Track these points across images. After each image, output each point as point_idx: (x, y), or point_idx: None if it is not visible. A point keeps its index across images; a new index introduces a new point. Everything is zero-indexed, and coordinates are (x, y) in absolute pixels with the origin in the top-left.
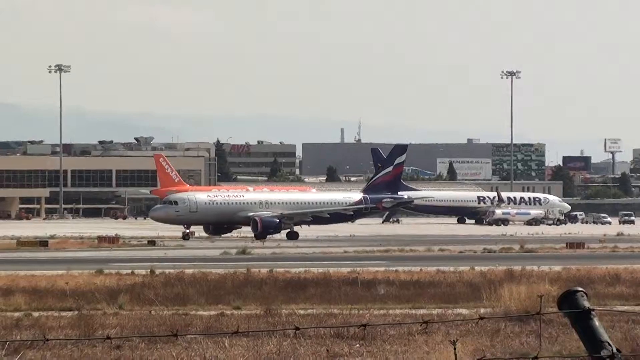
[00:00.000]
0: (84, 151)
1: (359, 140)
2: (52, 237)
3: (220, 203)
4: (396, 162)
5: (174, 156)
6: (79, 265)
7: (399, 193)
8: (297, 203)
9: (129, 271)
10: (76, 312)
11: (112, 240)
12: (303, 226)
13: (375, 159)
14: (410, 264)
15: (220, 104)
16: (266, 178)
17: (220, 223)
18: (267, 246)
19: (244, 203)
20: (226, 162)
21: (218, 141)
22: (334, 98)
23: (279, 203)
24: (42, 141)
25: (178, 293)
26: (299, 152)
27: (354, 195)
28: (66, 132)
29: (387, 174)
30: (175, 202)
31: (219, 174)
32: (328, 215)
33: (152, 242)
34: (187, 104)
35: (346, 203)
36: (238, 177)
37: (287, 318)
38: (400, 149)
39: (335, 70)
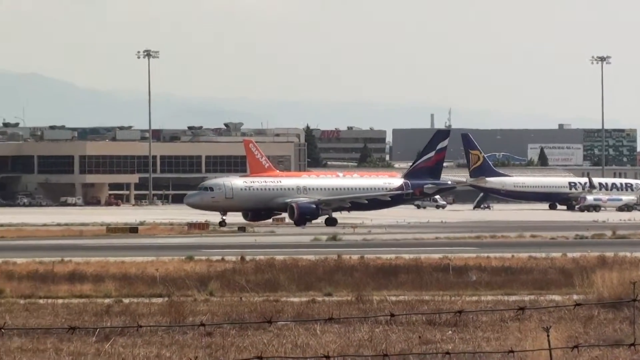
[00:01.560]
0: (173, 137)
1: (449, 125)
2: (141, 223)
3: (257, 189)
4: (438, 147)
5: (263, 142)
6: (168, 252)
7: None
8: (335, 189)
9: (219, 258)
10: (166, 299)
11: (202, 227)
12: (386, 214)
13: (465, 144)
14: (502, 250)
15: (310, 90)
16: (356, 164)
17: (257, 209)
18: (358, 232)
19: (281, 189)
20: (316, 148)
21: (308, 127)
22: (424, 84)
23: (316, 189)
24: (131, 127)
25: (269, 279)
26: (389, 138)
27: (395, 181)
28: (155, 118)
29: (428, 159)
30: (211, 188)
31: (309, 160)
32: (366, 201)
33: (242, 229)
34: (277, 89)
35: (386, 189)
36: (328, 162)
37: (379, 305)
38: (443, 134)
39: (425, 56)
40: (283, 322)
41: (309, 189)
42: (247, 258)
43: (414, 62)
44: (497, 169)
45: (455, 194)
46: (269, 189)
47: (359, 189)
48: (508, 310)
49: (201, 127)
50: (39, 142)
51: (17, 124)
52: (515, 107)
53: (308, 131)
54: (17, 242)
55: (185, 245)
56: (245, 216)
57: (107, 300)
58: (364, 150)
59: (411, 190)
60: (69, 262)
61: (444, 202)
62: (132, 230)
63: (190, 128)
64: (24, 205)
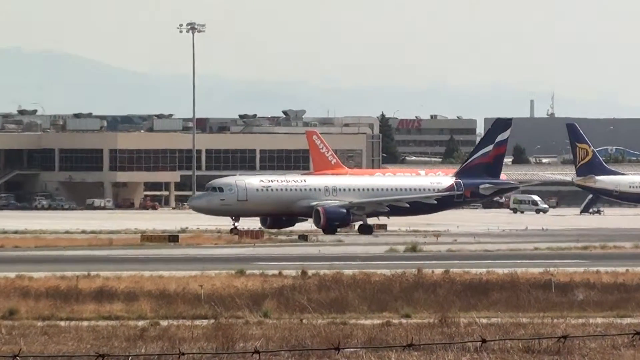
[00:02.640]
0: (222, 127)
1: (552, 114)
2: (183, 230)
3: (276, 190)
4: (498, 139)
5: (329, 133)
6: (215, 265)
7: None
8: (371, 190)
9: (276, 272)
10: (212, 321)
11: (256, 235)
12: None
13: (571, 136)
14: (614, 263)
15: (385, 72)
16: (440, 159)
17: (276, 214)
18: (442, 242)
19: (305, 190)
20: (392, 140)
21: (383, 115)
22: (522, 64)
23: (348, 190)
24: (171, 115)
25: (335, 298)
26: (479, 129)
27: (444, 180)
28: (200, 105)
29: (485, 154)
30: (220, 189)
31: (384, 155)
32: (407, 205)
33: (303, 237)
34: (346, 71)
35: (434, 190)
36: (407, 158)
37: (467, 328)
38: (503, 123)
39: (523, 32)
40: (352, 349)
41: (339, 189)
42: (309, 272)
43: (509, 39)
44: (609, 166)
45: (559, 196)
46: (291, 189)
47: (400, 190)
48: (621, 335)
49: (255, 115)
50: (60, 133)
51: (35, 111)
52: (632, 92)
53: (383, 120)
54: (34, 252)
55: (235, 257)
56: (263, 222)
57: (141, 323)
58: (450, 143)
59: (460, 192)
60: (95, 276)
61: (545, 206)
62: (172, 238)
63: (242, 117)
64: (43, 208)
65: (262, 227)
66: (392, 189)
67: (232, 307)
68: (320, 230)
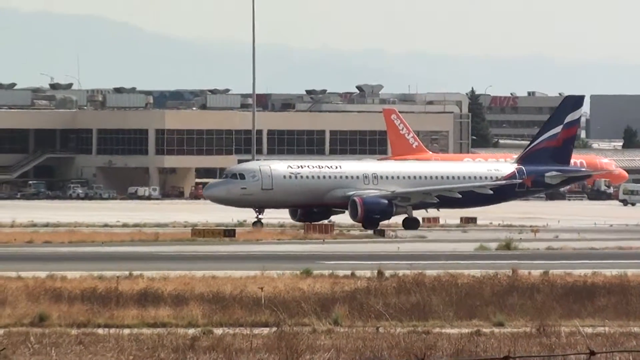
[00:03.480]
0: (286, 104)
1: None
2: (240, 223)
3: (307, 177)
4: (567, 120)
5: (411, 112)
6: (277, 264)
7: None
8: (418, 178)
9: (348, 272)
10: (275, 329)
11: (325, 229)
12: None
13: None
14: None
15: (473, 40)
16: None
17: (306, 205)
18: (541, 238)
19: (341, 177)
20: (483, 121)
21: (473, 91)
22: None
23: (391, 178)
24: (228, 90)
25: (416, 303)
26: (585, 108)
27: (504, 166)
28: (262, 78)
29: (553, 137)
30: (242, 176)
31: (474, 137)
32: (459, 195)
33: (379, 232)
34: (428, 39)
35: (492, 178)
36: (500, 141)
37: (569, 339)
38: (574, 101)
39: None
40: None
41: (381, 177)
42: (387, 273)
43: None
44: None
45: None
46: (324, 176)
47: (451, 178)
48: None
49: (324, 90)
50: (99, 111)
51: (70, 85)
52: None
53: (473, 98)
54: (68, 248)
55: (300, 255)
56: (292, 215)
57: (192, 331)
58: None
59: (519, 180)
60: (139, 277)
61: None
62: (228, 233)
63: (309, 92)
64: (78, 197)
65: (292, 219)
66: (442, 177)
67: (297, 313)
68: (361, 225)
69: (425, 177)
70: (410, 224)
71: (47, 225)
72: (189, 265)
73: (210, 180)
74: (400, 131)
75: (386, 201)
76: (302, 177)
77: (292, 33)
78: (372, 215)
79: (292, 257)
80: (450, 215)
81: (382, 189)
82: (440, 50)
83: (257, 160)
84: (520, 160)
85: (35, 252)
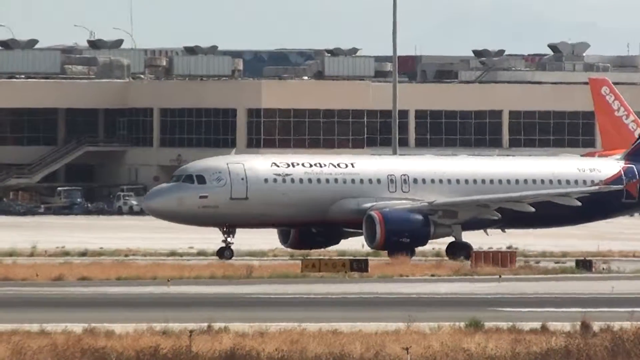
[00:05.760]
0: (444, 72)
1: None
2: (371, 254)
3: (301, 180)
4: None
5: (631, 83)
6: (431, 312)
7: None
8: (471, 182)
9: (536, 324)
10: None
11: (503, 260)
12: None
13: None
14: None
15: None
16: None
17: (299, 223)
18: None
19: (352, 180)
20: None
21: None
22: None
23: (431, 181)
24: (356, 51)
25: None
26: None
27: (606, 165)
28: (407, 34)
29: None
30: (200, 178)
31: None
32: (532, 209)
33: (584, 263)
34: None
35: (586, 182)
36: None
37: None
38: None
39: None
40: None
41: (414, 180)
42: (595, 325)
43: None
44: None
45: None
46: (328, 179)
47: (521, 182)
48: None
49: (501, 52)
50: (163, 81)
51: (119, 43)
52: None
53: None
54: (115, 288)
55: (465, 299)
56: (282, 238)
57: None
58: None
59: (621, 186)
60: (222, 331)
61: None
62: (358, 266)
63: (477, 54)
64: (131, 211)
65: (283, 245)
66: (507, 181)
67: None
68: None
69: (483, 181)
70: (457, 249)
71: (84, 253)
72: (298, 313)
73: (162, 185)
74: (615, 112)
75: (420, 217)
76: (292, 180)
77: None
78: (396, 239)
79: (453, 302)
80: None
81: (415, 198)
82: None
83: (225, 156)
84: (630, 156)
85: (68, 293)
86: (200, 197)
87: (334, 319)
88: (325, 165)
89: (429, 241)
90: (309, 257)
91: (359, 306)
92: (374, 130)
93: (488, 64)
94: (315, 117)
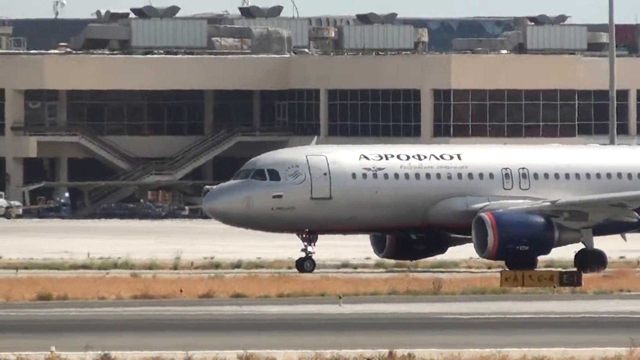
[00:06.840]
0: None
1: None
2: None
3: (396, 175)
4: None
5: None
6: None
7: None
8: (604, 176)
9: None
10: None
11: None
12: None
13: None
14: None
15: None
16: None
17: (394, 227)
18: None
19: (459, 175)
20: None
21: None
22: None
23: (555, 176)
24: (564, 18)
25: None
26: None
27: None
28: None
29: None
30: (273, 174)
31: None
32: None
33: None
34: None
35: None
36: None
37: None
38: None
39: None
40: None
41: (535, 175)
42: None
43: None
44: None
45: None
46: (429, 174)
47: None
48: None
49: None
50: (331, 57)
51: (277, 11)
52: None
53: None
54: (275, 307)
55: (616, 319)
56: (377, 246)
57: None
58: None
59: None
60: (404, 359)
61: None
62: (569, 279)
63: None
64: None
65: (377, 254)
66: None
67: None
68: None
69: (619, 175)
70: (589, 259)
71: (237, 265)
72: (497, 337)
73: (228, 183)
74: None
75: (541, 219)
76: (386, 175)
77: None
78: (512, 247)
79: (602, 323)
80: None
81: (536, 196)
82: None
83: (303, 146)
84: None
85: (218, 314)
86: (274, 196)
87: (536, 344)
88: (425, 157)
89: (553, 249)
90: (505, 270)
91: (570, 328)
92: (587, 115)
93: None
94: (516, 100)
